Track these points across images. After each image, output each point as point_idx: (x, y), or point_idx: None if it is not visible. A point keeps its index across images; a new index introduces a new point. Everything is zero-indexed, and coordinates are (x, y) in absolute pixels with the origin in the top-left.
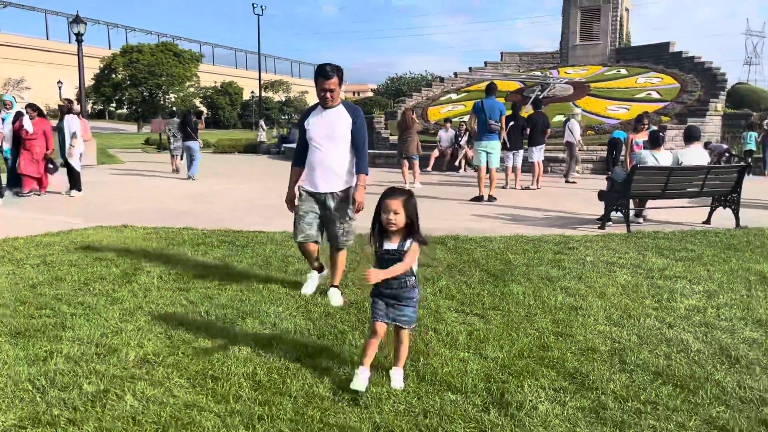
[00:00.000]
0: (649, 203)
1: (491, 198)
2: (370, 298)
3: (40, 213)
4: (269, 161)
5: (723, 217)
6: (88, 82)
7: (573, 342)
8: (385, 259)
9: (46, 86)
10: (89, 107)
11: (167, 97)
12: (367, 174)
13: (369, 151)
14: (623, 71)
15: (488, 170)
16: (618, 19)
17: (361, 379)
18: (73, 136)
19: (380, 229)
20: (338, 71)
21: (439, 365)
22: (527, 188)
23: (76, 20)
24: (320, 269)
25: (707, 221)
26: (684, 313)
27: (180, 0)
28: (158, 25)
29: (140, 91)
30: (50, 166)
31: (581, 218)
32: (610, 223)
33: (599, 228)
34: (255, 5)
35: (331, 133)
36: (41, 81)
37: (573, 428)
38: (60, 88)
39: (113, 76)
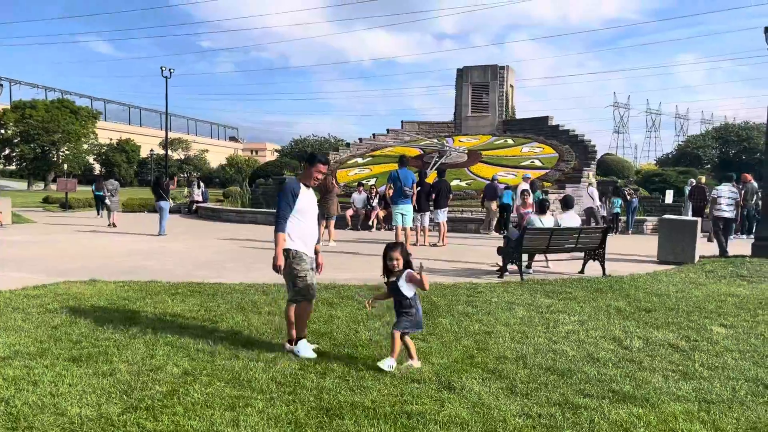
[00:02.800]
0: (537, 257)
1: None
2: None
3: None
4: (186, 220)
5: (593, 269)
6: None
7: (490, 353)
8: (392, 288)
9: None
10: None
11: (60, 153)
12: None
13: None
14: (510, 141)
15: (403, 229)
16: (504, 94)
17: (388, 364)
18: None
19: (387, 270)
20: (327, 160)
21: (402, 368)
22: (434, 245)
23: None
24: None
25: (581, 271)
26: (564, 335)
27: (65, 54)
28: (43, 79)
29: (32, 147)
30: None
31: (483, 270)
32: (507, 272)
33: (498, 277)
34: (163, 68)
35: (313, 208)
36: None
37: (497, 398)
38: None
39: (2, 131)
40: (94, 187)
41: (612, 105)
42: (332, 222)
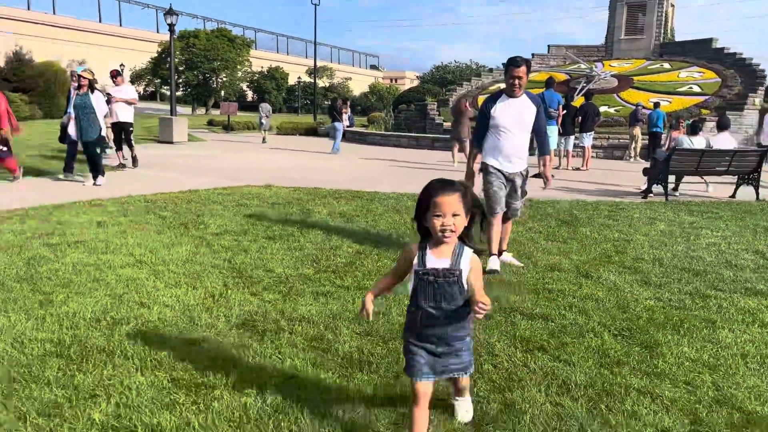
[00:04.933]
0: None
1: None
2: (403, 343)
3: (183, 175)
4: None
5: (746, 194)
6: (145, 65)
7: (627, 255)
8: (428, 282)
9: (103, 68)
10: (142, 89)
11: (219, 80)
12: (549, 155)
13: (424, 135)
14: (666, 65)
15: None
16: (663, 14)
17: None
18: (106, 116)
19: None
20: (526, 62)
21: (544, 260)
22: (577, 169)
23: (170, 12)
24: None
25: (733, 195)
26: (704, 246)
27: None
28: (199, 9)
29: (195, 74)
30: (3, 148)
31: (626, 191)
32: (651, 194)
33: (642, 198)
34: None
35: (519, 121)
36: (98, 63)
37: (631, 286)
38: (122, 71)
39: (169, 59)
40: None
41: None
42: (465, 144)
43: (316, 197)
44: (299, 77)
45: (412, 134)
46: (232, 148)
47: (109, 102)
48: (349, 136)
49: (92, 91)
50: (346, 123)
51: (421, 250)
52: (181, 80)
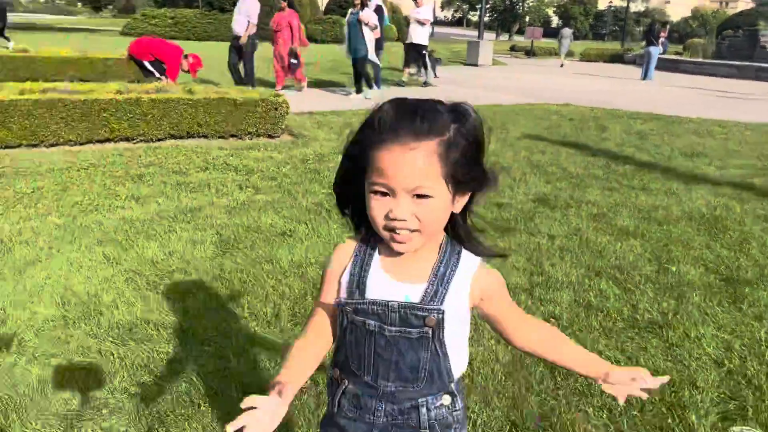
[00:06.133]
0: None
1: None
2: None
3: (487, 92)
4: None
5: None
6: None
7: None
8: (367, 333)
9: None
10: (450, 14)
11: (526, 5)
12: None
13: (747, 64)
14: None
15: None
16: None
17: None
18: (374, 29)
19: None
20: None
21: None
22: None
23: None
24: None
25: None
26: None
27: None
28: None
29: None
30: (293, 61)
31: None
32: None
33: None
34: None
35: None
36: None
37: None
38: None
39: None
40: None
41: None
42: None
43: (613, 117)
44: (610, 1)
45: (732, 63)
46: (532, 71)
47: (408, 23)
48: (658, 64)
49: (362, 9)
50: (660, 50)
51: (361, 253)
52: (488, 5)
